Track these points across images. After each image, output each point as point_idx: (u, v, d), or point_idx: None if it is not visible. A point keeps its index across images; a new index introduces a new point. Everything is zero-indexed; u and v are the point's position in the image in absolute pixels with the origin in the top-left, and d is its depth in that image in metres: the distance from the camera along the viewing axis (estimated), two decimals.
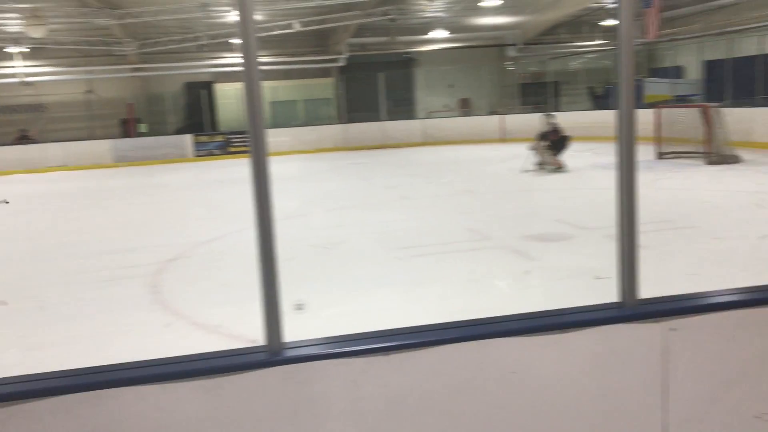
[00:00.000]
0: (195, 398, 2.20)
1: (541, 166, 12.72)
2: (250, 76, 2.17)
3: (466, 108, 24.40)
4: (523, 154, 14.16)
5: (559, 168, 12.60)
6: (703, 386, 2.59)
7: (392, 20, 20.02)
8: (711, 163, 12.49)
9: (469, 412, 2.45)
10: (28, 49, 20.50)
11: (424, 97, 24.53)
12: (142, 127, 22.40)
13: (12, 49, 20.37)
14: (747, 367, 2.60)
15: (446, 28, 22.32)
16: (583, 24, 22.61)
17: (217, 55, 22.09)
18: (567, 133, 12.87)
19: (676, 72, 21.18)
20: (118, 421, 2.15)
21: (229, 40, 20.37)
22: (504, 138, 20.37)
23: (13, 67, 21.13)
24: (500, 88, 25.35)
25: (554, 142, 12.69)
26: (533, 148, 12.92)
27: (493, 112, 22.77)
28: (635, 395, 2.55)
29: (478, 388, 2.44)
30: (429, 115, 23.19)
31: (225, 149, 20.88)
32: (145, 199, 9.95)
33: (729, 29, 17.92)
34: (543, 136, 12.83)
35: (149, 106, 23.35)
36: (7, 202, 12.03)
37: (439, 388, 2.41)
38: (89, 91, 22.57)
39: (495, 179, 12.63)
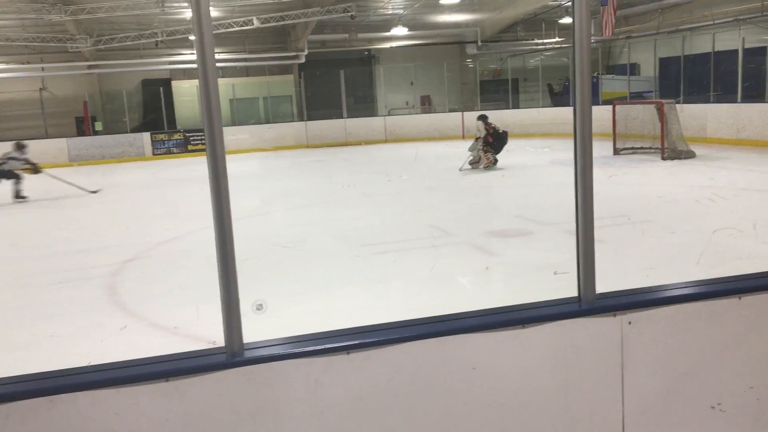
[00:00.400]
0: (153, 402, 2.16)
1: (475, 165, 12.88)
2: (205, 72, 2.14)
3: (427, 105, 24.50)
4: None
5: (490, 166, 12.78)
6: (660, 378, 2.64)
7: (352, 17, 19.98)
8: (666, 158, 12.76)
9: (432, 408, 2.45)
10: None
11: (385, 95, 24.56)
12: (98, 126, 21.96)
13: None
14: (702, 359, 2.66)
15: (406, 25, 22.37)
16: (541, 22, 22.88)
17: (174, 52, 21.77)
18: (503, 130, 13.04)
19: (632, 69, 21.58)
20: (72, 427, 2.11)
21: (189, 37, 20.09)
22: (465, 135, 20.51)
23: None
24: (460, 85, 25.51)
25: (492, 143, 12.85)
26: (472, 149, 13.08)
27: (453, 110, 22.91)
28: (595, 388, 2.59)
29: (439, 385, 2.45)
30: (390, 113, 23.22)
31: (184, 147, 20.61)
32: (102, 198, 9.75)
33: (683, 27, 18.33)
34: (481, 138, 12.99)
35: (105, 104, 22.89)
36: (95, 192, 12.15)
37: (401, 386, 2.41)
38: (43, 89, 22.03)
39: (456, 176, 12.71)
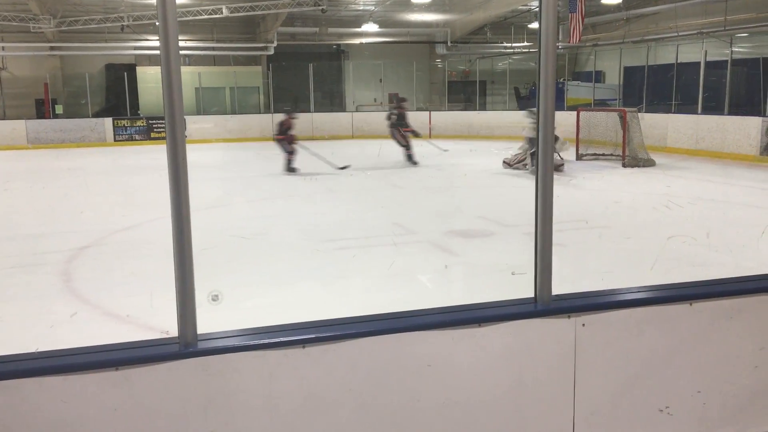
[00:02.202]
0: (102, 391, 2.12)
1: (519, 166, 12.81)
2: (168, 59, 2.10)
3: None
4: (450, 151, 14.37)
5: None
6: (611, 380, 2.68)
7: (323, 11, 19.87)
8: (626, 165, 12.99)
9: (385, 404, 2.46)
10: None
11: (353, 91, 24.50)
12: (59, 109, 21.47)
13: None
14: (652, 362, 2.71)
15: (377, 22, 22.35)
16: (510, 25, 23.07)
17: (140, 37, 21.40)
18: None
19: (597, 76, 21.91)
20: (18, 414, 2.06)
21: (155, 23, 19.74)
22: (431, 134, 20.59)
23: None
24: (429, 85, 25.59)
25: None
26: (523, 148, 13.03)
27: (421, 109, 22.97)
28: (547, 388, 2.62)
29: (394, 381, 2.46)
30: (358, 109, 23.17)
31: (147, 135, 20.29)
32: (59, 183, 9.54)
33: (648, 37, 18.66)
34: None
35: (67, 87, 22.39)
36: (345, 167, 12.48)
37: (355, 381, 2.41)
38: (2, 68, 21.45)
39: (420, 175, 12.75)
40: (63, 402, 2.08)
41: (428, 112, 21.75)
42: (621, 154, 13.47)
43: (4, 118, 20.15)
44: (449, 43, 23.84)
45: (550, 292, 2.61)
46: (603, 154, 14.01)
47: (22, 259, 6.71)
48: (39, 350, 2.22)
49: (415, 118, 21.66)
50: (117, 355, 2.18)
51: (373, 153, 16.76)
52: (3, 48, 20.73)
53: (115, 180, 12.81)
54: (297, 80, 22.33)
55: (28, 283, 5.94)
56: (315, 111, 21.76)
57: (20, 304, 5.33)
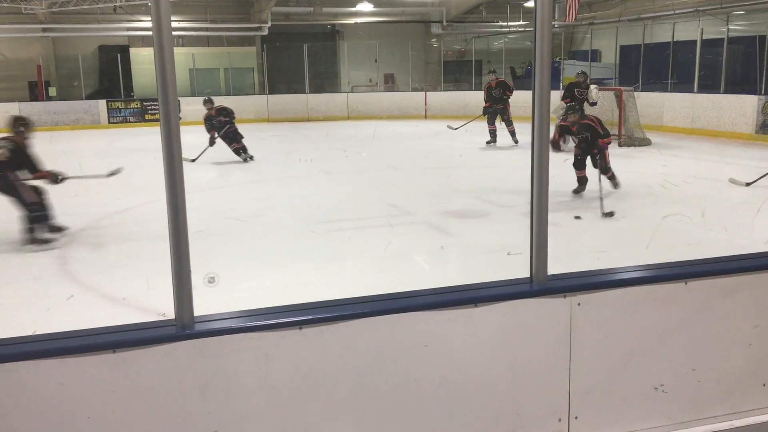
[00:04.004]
0: (99, 373, 2.13)
1: None
2: (161, 39, 2.09)
3: (390, 83, 24.39)
4: (444, 132, 14.34)
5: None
6: (606, 359, 2.70)
7: None
8: (622, 145, 12.97)
9: (382, 384, 2.47)
10: None
11: (348, 71, 24.36)
12: (52, 91, 21.30)
13: None
14: (647, 341, 2.73)
15: (372, 1, 22.17)
16: (506, 4, 22.90)
17: (133, 18, 21.20)
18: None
19: (594, 55, 21.80)
20: (15, 396, 2.06)
21: (148, 3, 19.55)
22: (427, 115, 20.52)
23: None
24: (424, 64, 25.44)
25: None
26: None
27: (416, 89, 22.86)
28: (543, 367, 2.64)
29: (391, 361, 2.47)
30: (353, 89, 23.05)
31: (141, 117, 20.16)
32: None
33: (644, 15, 18.54)
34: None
35: (60, 69, 22.20)
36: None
37: (352, 362, 2.42)
38: None
39: (416, 155, 12.72)
40: (60, 384, 2.09)
41: (424, 93, 21.65)
42: (617, 133, 13.45)
43: None
44: (445, 23, 23.68)
45: (546, 271, 2.61)
46: None
47: (14, 244, 6.69)
48: (36, 333, 2.23)
49: (411, 99, 21.62)
50: (114, 337, 2.19)
51: (368, 134, 16.73)
52: None
53: (110, 162, 12.71)
54: (292, 61, 22.18)
55: (24, 266, 5.93)
56: (310, 92, 21.65)
57: (17, 287, 5.33)
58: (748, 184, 7.46)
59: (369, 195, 9.03)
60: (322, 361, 2.39)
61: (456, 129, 14.26)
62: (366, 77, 24.22)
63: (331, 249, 6.35)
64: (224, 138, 11.85)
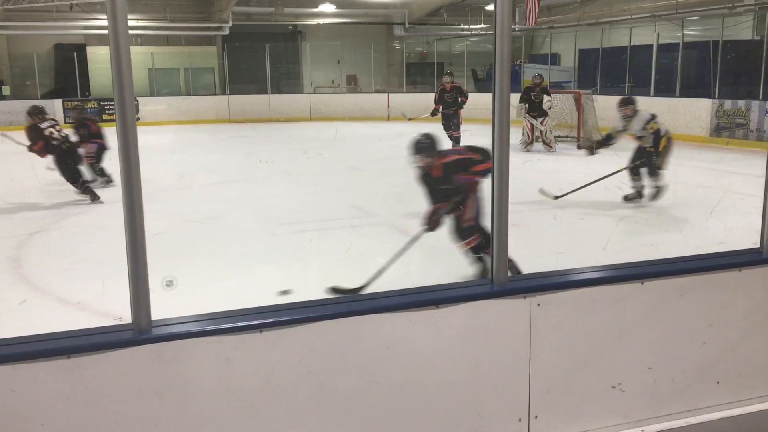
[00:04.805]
0: (53, 379, 2.08)
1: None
2: (116, 38, 2.05)
3: (352, 85, 24.39)
4: (408, 133, 14.33)
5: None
6: (565, 358, 2.74)
7: None
8: (581, 147, 13.17)
9: (344, 387, 2.46)
10: None
11: (310, 72, 24.27)
12: (5, 90, 20.76)
13: None
14: (605, 340, 2.77)
15: (334, 2, 22.13)
16: (467, 7, 23.09)
17: (89, 17, 20.79)
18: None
19: (553, 59, 22.11)
20: None
21: (105, 1, 19.18)
22: (389, 117, 20.55)
23: None
24: (387, 66, 25.50)
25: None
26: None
27: (379, 91, 22.89)
28: (503, 367, 2.66)
29: (353, 364, 2.46)
30: (315, 91, 22.98)
31: (99, 116, 19.78)
32: (5, 167, 9.25)
33: (602, 20, 18.89)
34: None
35: (13, 68, 21.66)
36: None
37: (313, 365, 2.41)
38: None
39: (379, 157, 12.73)
40: (12, 391, 2.04)
41: (386, 94, 21.69)
42: (576, 135, 13.65)
43: None
44: (407, 25, 23.76)
45: (507, 273, 2.64)
46: (558, 136, 14.17)
47: None
48: None
49: (373, 100, 21.65)
50: (68, 342, 2.14)
51: (330, 135, 16.70)
52: None
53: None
54: (253, 61, 22.01)
55: None
56: (271, 93, 21.52)
57: None
58: (557, 197, 7.13)
59: (331, 196, 9.00)
60: (283, 364, 2.37)
61: (409, 120, 14.14)
62: (328, 78, 24.18)
63: (293, 251, 6.31)
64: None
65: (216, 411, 2.28)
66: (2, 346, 2.09)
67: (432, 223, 5.18)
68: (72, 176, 8.55)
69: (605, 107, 15.52)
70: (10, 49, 21.44)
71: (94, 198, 8.44)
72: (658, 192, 7.83)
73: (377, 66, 24.09)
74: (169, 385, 2.21)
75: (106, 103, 19.76)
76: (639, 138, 7.90)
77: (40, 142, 8.39)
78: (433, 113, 13.09)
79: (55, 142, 8.44)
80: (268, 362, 2.34)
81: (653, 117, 7.97)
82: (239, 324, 2.30)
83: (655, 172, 7.80)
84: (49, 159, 8.60)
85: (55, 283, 5.33)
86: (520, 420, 2.69)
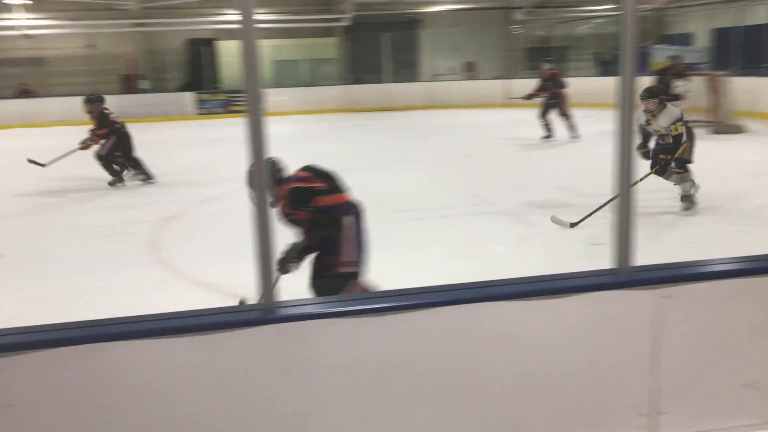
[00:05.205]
0: (189, 354, 2.22)
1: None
2: (247, 33, 2.15)
3: (471, 72, 24.15)
4: (526, 120, 14.09)
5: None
6: (694, 354, 2.61)
7: None
8: (715, 132, 12.42)
9: (460, 374, 2.47)
10: (30, 1, 20.24)
11: (428, 60, 24.26)
12: (145, 84, 22.19)
13: (12, 1, 20.09)
14: (737, 336, 2.62)
15: None
16: None
17: (219, 12, 21.81)
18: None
19: (685, 39, 20.91)
20: (112, 374, 2.18)
21: None
22: (507, 104, 20.21)
23: (13, 19, 20.87)
24: (506, 52, 25.06)
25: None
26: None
27: (497, 77, 22.55)
28: (627, 360, 2.57)
29: (470, 351, 2.47)
30: (433, 78, 22.96)
31: (226, 108, 20.74)
32: (144, 156, 9.94)
33: None
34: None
35: (150, 63, 23.12)
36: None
37: (431, 350, 2.43)
38: (91, 46, 22.31)
39: (497, 144, 12.57)
40: (154, 363, 2.19)
41: (505, 81, 21.33)
42: (710, 120, 12.87)
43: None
44: (527, 9, 23.22)
45: (632, 262, 2.55)
46: (690, 121, 13.42)
47: (113, 228, 7.04)
48: (129, 315, 2.34)
49: (491, 87, 21.34)
50: (204, 320, 2.28)
51: (447, 123, 16.66)
52: (90, 25, 21.50)
53: (197, 153, 13.21)
54: (372, 50, 22.30)
55: (118, 252, 6.23)
56: (389, 82, 21.72)
57: (111, 272, 5.61)
58: (572, 225, 6.37)
59: (449, 184, 9.00)
60: (401, 348, 2.41)
61: (515, 99, 13.81)
62: (446, 66, 24.08)
63: (412, 238, 6.37)
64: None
65: (337, 390, 2.36)
66: (147, 321, 2.26)
67: (282, 267, 3.70)
68: (128, 159, 9.51)
69: (744, 89, 14.53)
70: (147, 44, 22.89)
71: (148, 178, 9.45)
72: (687, 201, 6.83)
73: (496, 52, 23.73)
74: (293, 363, 2.30)
75: (233, 95, 20.66)
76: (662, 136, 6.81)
77: (105, 129, 9.36)
78: (528, 97, 12.83)
79: (117, 126, 9.47)
80: (386, 346, 2.39)
81: (680, 117, 6.82)
82: (358, 307, 2.36)
83: (676, 178, 6.87)
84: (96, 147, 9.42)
85: (191, 265, 5.67)
86: (644, 415, 2.59)
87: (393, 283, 2.62)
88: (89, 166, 9.48)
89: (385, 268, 5.42)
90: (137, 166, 9.59)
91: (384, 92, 21.35)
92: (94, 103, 9.64)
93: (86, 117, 9.82)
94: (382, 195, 8.36)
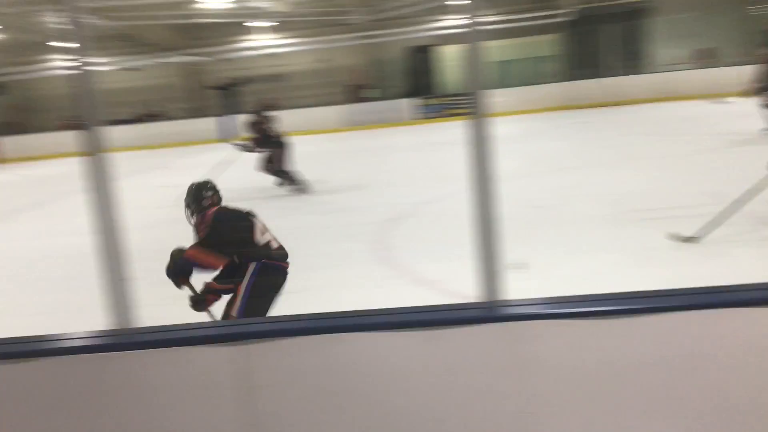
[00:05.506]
0: (418, 346, 2.34)
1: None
2: (473, 37, 2.21)
3: (705, 59, 22.24)
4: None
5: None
6: None
7: None
8: None
9: (697, 387, 2.31)
10: (276, 23, 22.42)
11: (655, 50, 22.79)
12: (374, 92, 23.39)
13: (262, 23, 22.42)
14: None
15: None
16: None
17: (438, 18, 22.35)
18: None
19: None
20: (354, 360, 2.36)
21: (445, 2, 20.35)
22: (747, 93, 18.32)
23: (255, 40, 23.23)
24: (743, 36, 22.72)
25: None
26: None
27: (736, 63, 20.52)
28: None
29: (708, 361, 2.30)
30: (662, 69, 21.52)
31: (441, 112, 21.19)
32: (373, 160, 10.54)
33: None
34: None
35: (375, 72, 24.35)
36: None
37: (662, 358, 2.30)
38: (325, 60, 24.08)
39: (733, 139, 11.46)
40: (389, 353, 2.34)
41: (745, 67, 19.34)
42: None
43: (324, 105, 22.62)
44: None
45: None
46: None
47: (348, 229, 7.58)
48: (364, 309, 2.52)
49: (729, 75, 19.44)
50: (430, 316, 2.38)
51: (678, 116, 15.54)
52: (324, 41, 23.20)
53: (421, 156, 13.67)
54: (594, 44, 21.49)
55: (350, 251, 6.68)
56: (614, 75, 20.75)
57: (345, 269, 6.03)
58: (687, 239, 5.23)
59: (680, 182, 8.40)
60: (629, 354, 2.31)
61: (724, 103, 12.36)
62: (676, 54, 22.43)
63: (643, 239, 6.05)
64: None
65: (564, 393, 2.33)
66: (384, 315, 2.42)
67: (197, 302, 3.64)
68: (281, 169, 10.07)
69: None
70: (372, 55, 24.17)
71: (304, 189, 9.83)
72: None
73: (731, 36, 21.61)
74: (518, 362, 2.32)
75: (454, 98, 21.05)
76: None
77: (259, 137, 10.12)
78: (756, 92, 11.40)
79: (273, 137, 10.17)
80: (613, 350, 2.30)
81: None
82: (585, 309, 2.30)
83: None
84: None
85: (415, 263, 5.92)
86: None
87: (620, 286, 2.53)
88: (327, 168, 10.21)
89: (611, 270, 5.23)
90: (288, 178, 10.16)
91: (607, 87, 20.47)
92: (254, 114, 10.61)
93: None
94: (606, 194, 8.05)
